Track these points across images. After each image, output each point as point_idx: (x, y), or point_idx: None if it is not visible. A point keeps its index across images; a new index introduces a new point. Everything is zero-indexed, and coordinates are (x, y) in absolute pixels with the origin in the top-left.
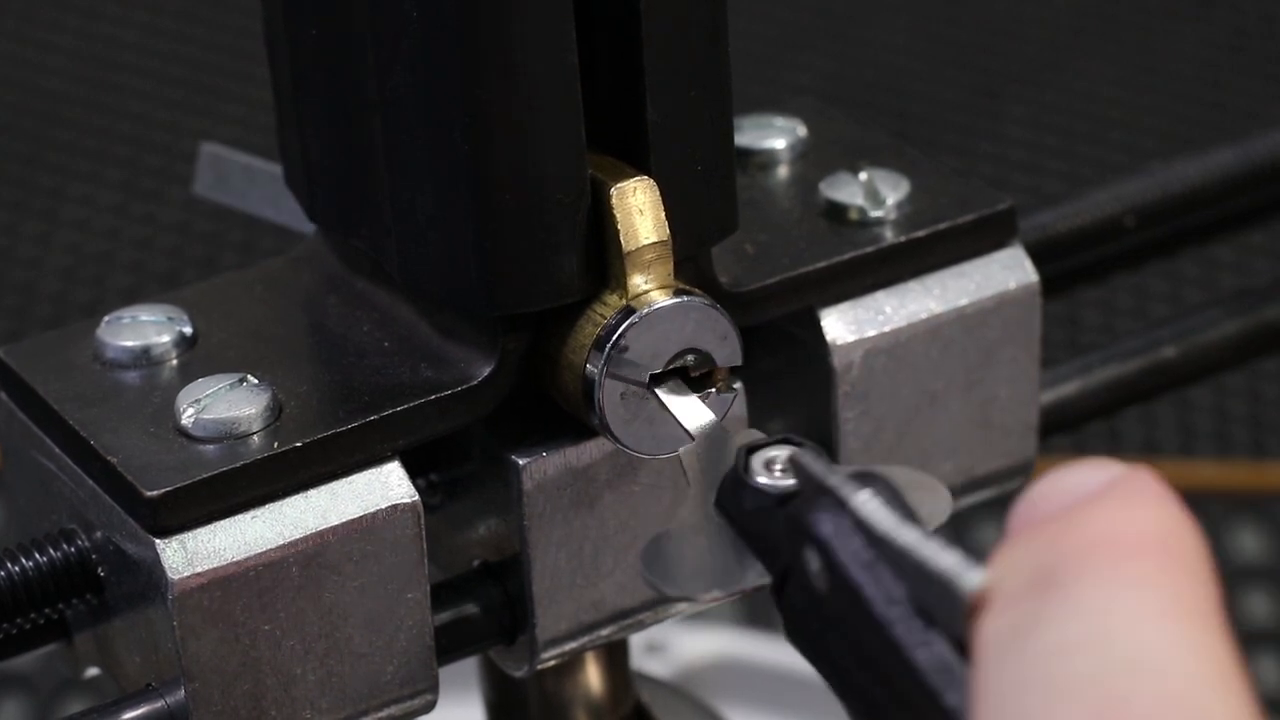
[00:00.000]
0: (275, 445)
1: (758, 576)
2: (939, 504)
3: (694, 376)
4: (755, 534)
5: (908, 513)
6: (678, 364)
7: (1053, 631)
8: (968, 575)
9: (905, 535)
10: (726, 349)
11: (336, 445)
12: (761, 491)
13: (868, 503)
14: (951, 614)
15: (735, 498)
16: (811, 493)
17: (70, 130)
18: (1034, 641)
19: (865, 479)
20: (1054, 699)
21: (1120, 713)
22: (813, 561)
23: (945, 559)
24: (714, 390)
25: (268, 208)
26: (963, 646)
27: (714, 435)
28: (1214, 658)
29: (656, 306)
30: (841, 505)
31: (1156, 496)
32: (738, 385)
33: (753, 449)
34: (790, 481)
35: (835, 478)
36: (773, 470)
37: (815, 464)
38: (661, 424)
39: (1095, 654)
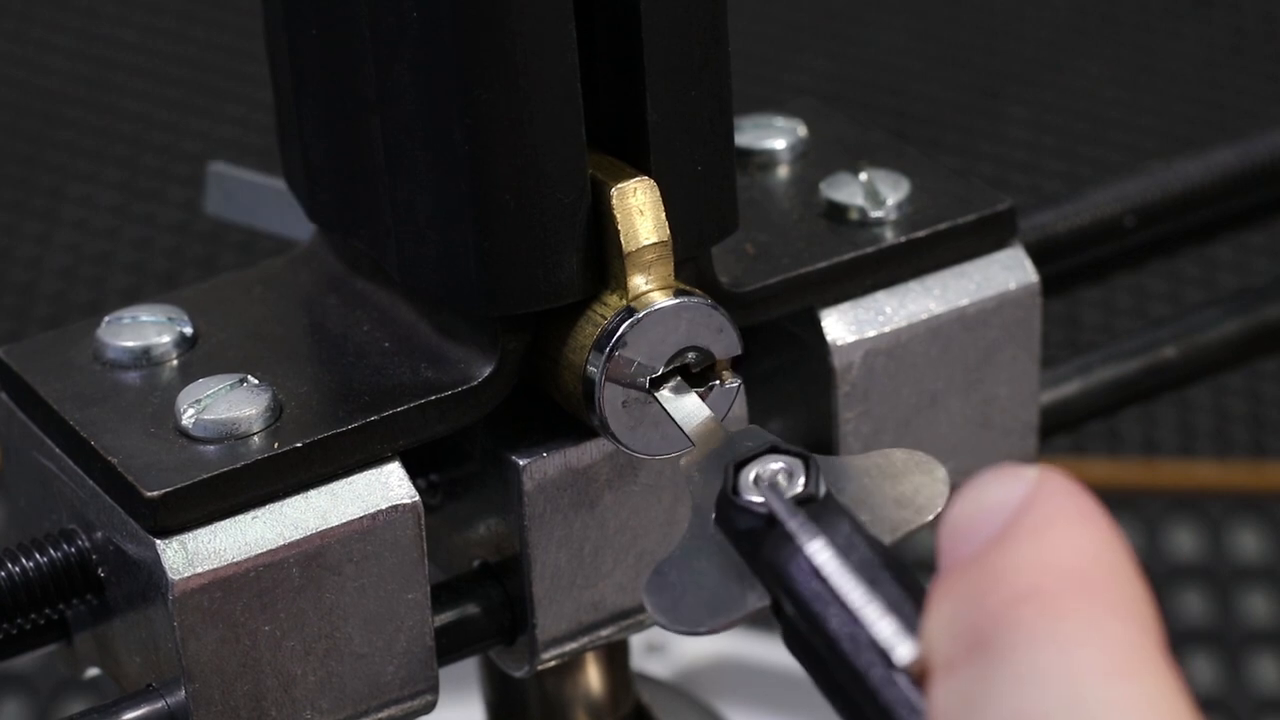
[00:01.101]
0: (275, 446)
1: (759, 598)
2: (936, 487)
3: (695, 373)
4: (749, 553)
5: (865, 552)
6: (678, 362)
7: (1006, 700)
8: (900, 649)
9: (851, 594)
10: (724, 341)
11: (337, 446)
12: (750, 511)
13: (819, 553)
14: (902, 676)
15: (728, 517)
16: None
17: (70, 130)
18: (989, 712)
19: (825, 516)
20: None
21: None
22: (785, 602)
23: (881, 627)
24: (716, 384)
25: (276, 223)
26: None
27: (713, 449)
28: (1172, 711)
29: (656, 307)
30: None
31: (1074, 512)
32: (738, 380)
33: (741, 465)
34: None
35: (795, 521)
36: (762, 486)
37: (779, 502)
38: (662, 425)
39: None
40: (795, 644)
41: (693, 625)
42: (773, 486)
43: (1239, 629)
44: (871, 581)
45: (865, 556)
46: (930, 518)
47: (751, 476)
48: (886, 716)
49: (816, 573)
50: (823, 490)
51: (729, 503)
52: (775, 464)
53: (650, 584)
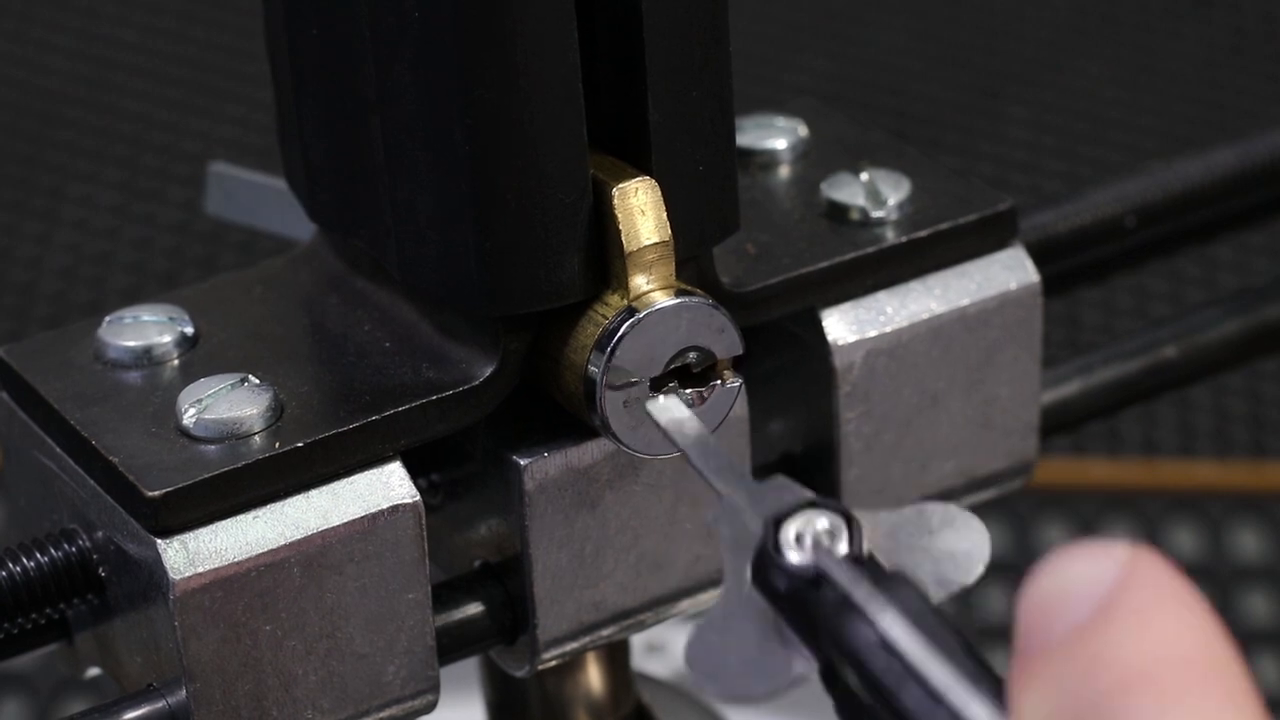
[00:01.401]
0: (277, 445)
1: (805, 663)
2: (977, 542)
3: (696, 373)
4: (794, 615)
5: (935, 624)
6: (679, 362)
7: None
8: None
9: (934, 671)
10: (725, 341)
11: (338, 445)
12: (793, 573)
13: (893, 626)
14: None
15: (767, 577)
16: (840, 593)
17: (70, 130)
18: None
19: (892, 586)
20: None
21: None
22: (849, 675)
23: (973, 711)
24: (717, 384)
25: (276, 223)
26: None
27: (742, 500)
28: None
29: (658, 307)
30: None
31: (1175, 595)
32: (739, 380)
33: (779, 520)
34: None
35: (861, 590)
36: (803, 544)
37: (839, 570)
38: None
39: None
40: (853, 715)
41: (740, 692)
42: (822, 548)
43: (1239, 629)
44: (949, 658)
45: (937, 629)
46: (973, 579)
47: (793, 534)
48: None
49: (889, 647)
50: (866, 550)
51: (770, 562)
52: (819, 521)
53: (692, 648)
